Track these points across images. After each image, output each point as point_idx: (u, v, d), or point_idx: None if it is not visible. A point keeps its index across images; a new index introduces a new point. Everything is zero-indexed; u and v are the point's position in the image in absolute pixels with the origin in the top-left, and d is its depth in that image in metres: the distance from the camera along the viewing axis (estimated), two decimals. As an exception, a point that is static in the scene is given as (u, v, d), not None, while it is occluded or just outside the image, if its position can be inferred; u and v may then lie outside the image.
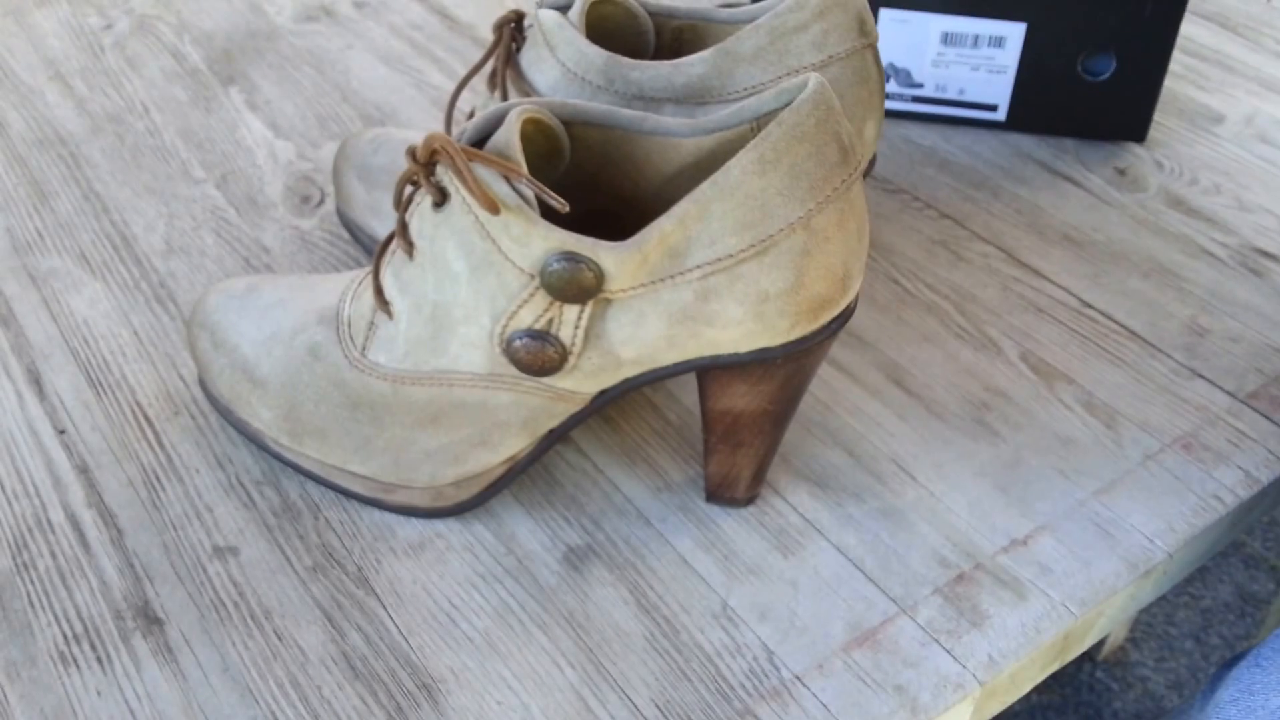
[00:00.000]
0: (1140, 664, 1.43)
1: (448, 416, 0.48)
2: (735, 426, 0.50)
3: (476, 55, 0.87)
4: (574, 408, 0.49)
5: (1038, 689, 1.38)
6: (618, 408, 0.58)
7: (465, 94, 0.81)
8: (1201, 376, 0.60)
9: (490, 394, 0.47)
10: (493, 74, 0.55)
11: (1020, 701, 1.37)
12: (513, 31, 0.55)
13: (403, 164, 0.62)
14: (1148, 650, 1.44)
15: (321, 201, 0.70)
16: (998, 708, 0.51)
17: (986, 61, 0.73)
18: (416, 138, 0.65)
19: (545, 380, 0.47)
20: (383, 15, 0.92)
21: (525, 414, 0.48)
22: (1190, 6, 0.98)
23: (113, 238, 0.67)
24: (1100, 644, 1.39)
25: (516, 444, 0.50)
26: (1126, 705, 1.38)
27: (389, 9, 0.92)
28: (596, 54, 0.53)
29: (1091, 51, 0.72)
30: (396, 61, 0.85)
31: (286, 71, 0.83)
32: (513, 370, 0.47)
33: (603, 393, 0.48)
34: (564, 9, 0.56)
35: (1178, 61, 0.88)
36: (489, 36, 0.89)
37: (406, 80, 0.83)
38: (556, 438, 0.50)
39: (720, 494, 0.53)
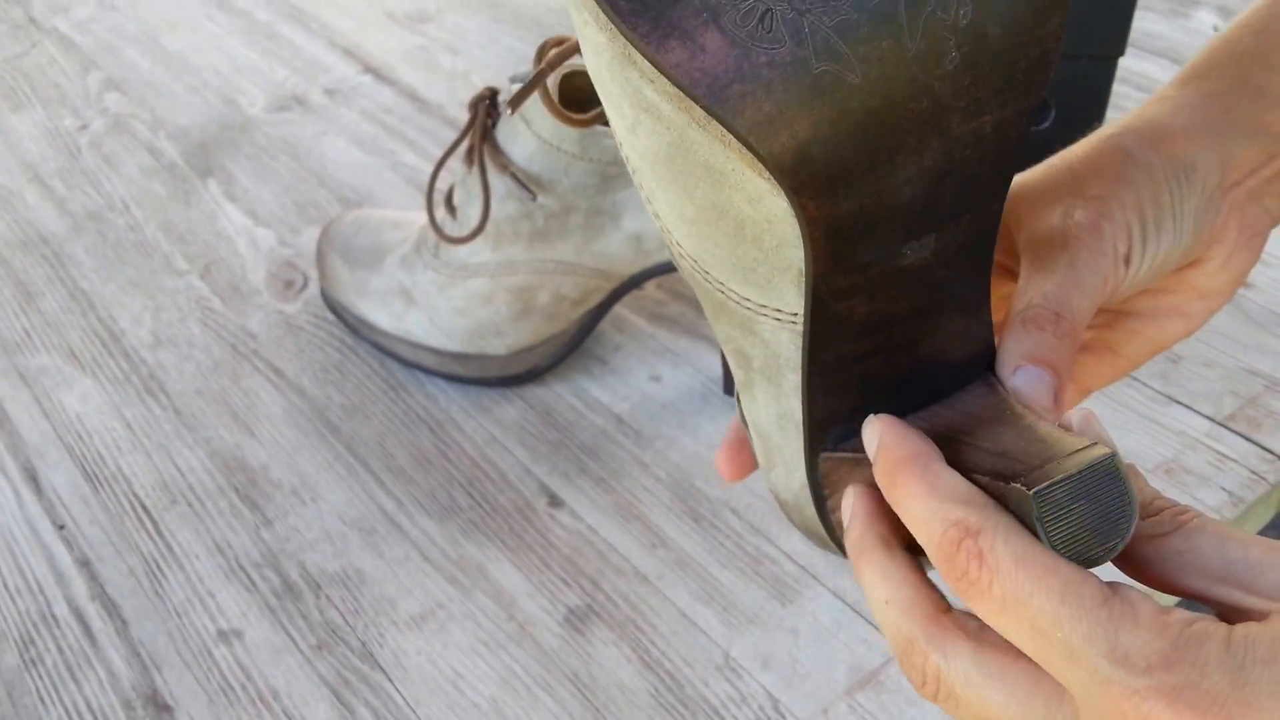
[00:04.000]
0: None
1: None
2: None
3: (447, 134, 0.88)
4: None
5: None
6: (607, 468, 0.58)
7: (443, 174, 0.83)
8: (1178, 402, 0.61)
9: None
10: (469, 150, 0.57)
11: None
12: (488, 108, 0.56)
13: (385, 240, 0.64)
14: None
15: (305, 286, 0.71)
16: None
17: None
18: (395, 216, 0.66)
19: None
20: (354, 101, 0.93)
21: None
22: (1141, 44, 1.01)
23: (100, 333, 0.68)
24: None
25: None
26: None
27: (360, 94, 0.94)
28: (571, 124, 0.55)
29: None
30: (370, 144, 0.87)
31: (263, 161, 0.85)
32: None
33: None
34: (534, 83, 0.58)
35: (1130, 99, 0.91)
36: (459, 116, 0.91)
37: (381, 162, 0.85)
38: None
39: None
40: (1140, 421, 0.60)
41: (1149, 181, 0.34)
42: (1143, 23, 1.04)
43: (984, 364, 0.34)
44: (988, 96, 0.30)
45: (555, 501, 0.56)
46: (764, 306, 0.33)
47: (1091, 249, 0.33)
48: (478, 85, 0.96)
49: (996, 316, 0.35)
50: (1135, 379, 0.63)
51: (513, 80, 0.56)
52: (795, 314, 0.32)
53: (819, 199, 0.30)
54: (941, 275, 0.33)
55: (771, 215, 0.30)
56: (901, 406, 0.33)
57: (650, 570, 0.54)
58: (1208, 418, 0.60)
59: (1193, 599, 0.29)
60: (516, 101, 0.52)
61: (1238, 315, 0.67)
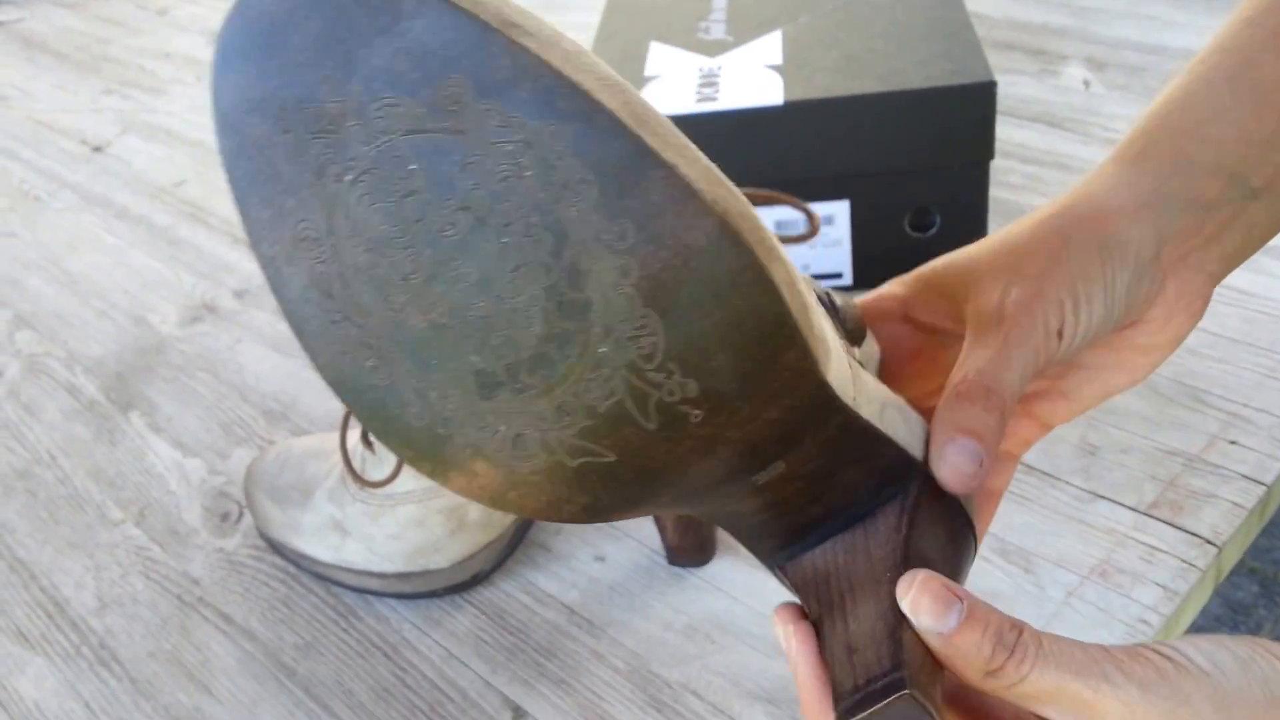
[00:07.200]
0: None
1: None
2: None
3: (361, 320, 0.89)
4: None
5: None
6: (565, 666, 0.59)
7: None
8: (1102, 497, 0.63)
9: None
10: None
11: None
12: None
13: (309, 474, 0.64)
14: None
15: (241, 515, 0.71)
16: None
17: (822, 238, 0.77)
18: (315, 445, 0.66)
19: None
20: (265, 299, 0.94)
21: None
22: (1017, 110, 1.03)
23: (45, 605, 0.68)
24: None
25: None
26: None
27: (268, 292, 0.95)
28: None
29: (916, 211, 0.76)
30: (286, 346, 0.88)
31: (182, 383, 0.85)
32: None
33: None
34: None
35: (1016, 171, 0.93)
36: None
37: (298, 363, 0.85)
38: None
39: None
40: (1069, 524, 0.62)
41: (1082, 260, 0.37)
42: (1015, 88, 1.07)
43: (900, 476, 0.35)
44: (755, 412, 0.31)
45: (519, 713, 0.57)
46: None
47: (1024, 326, 0.36)
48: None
49: (939, 380, 0.38)
50: (1058, 479, 0.64)
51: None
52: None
53: (637, 510, 0.33)
54: (811, 467, 0.34)
55: None
56: (830, 531, 0.36)
57: (623, 766, 0.54)
58: (1132, 509, 0.62)
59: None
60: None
61: (1146, 393, 0.69)
